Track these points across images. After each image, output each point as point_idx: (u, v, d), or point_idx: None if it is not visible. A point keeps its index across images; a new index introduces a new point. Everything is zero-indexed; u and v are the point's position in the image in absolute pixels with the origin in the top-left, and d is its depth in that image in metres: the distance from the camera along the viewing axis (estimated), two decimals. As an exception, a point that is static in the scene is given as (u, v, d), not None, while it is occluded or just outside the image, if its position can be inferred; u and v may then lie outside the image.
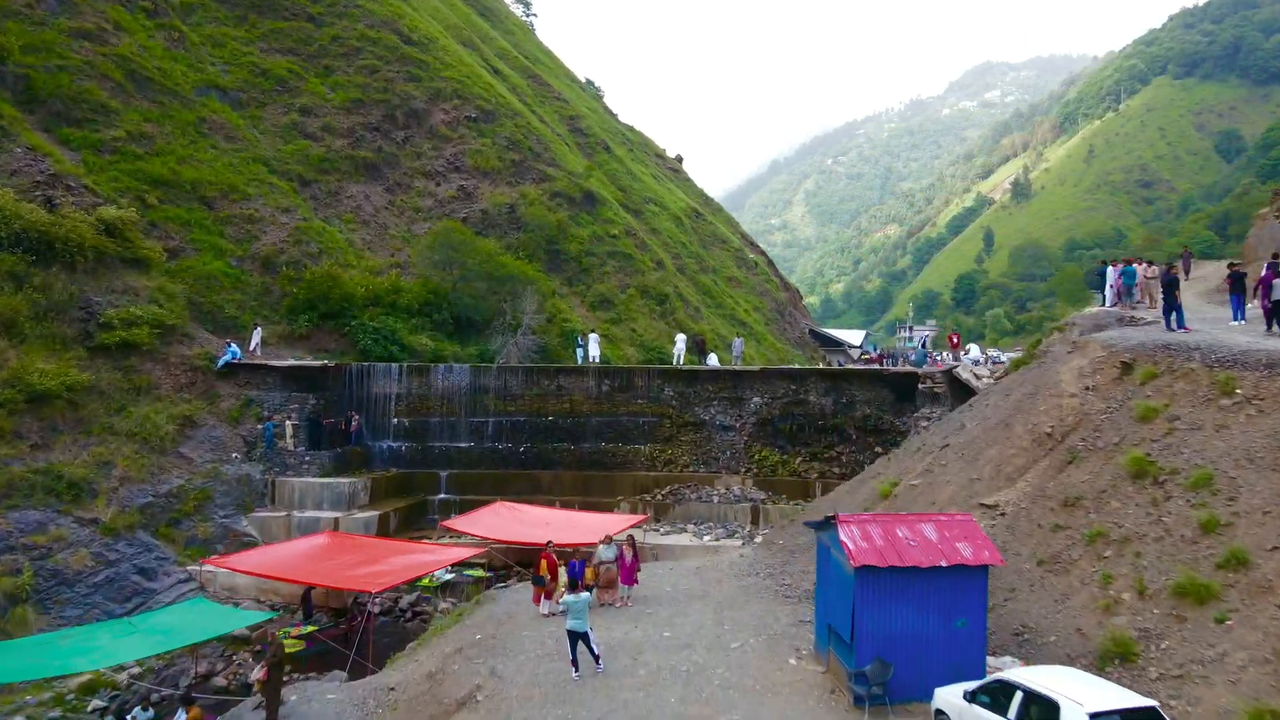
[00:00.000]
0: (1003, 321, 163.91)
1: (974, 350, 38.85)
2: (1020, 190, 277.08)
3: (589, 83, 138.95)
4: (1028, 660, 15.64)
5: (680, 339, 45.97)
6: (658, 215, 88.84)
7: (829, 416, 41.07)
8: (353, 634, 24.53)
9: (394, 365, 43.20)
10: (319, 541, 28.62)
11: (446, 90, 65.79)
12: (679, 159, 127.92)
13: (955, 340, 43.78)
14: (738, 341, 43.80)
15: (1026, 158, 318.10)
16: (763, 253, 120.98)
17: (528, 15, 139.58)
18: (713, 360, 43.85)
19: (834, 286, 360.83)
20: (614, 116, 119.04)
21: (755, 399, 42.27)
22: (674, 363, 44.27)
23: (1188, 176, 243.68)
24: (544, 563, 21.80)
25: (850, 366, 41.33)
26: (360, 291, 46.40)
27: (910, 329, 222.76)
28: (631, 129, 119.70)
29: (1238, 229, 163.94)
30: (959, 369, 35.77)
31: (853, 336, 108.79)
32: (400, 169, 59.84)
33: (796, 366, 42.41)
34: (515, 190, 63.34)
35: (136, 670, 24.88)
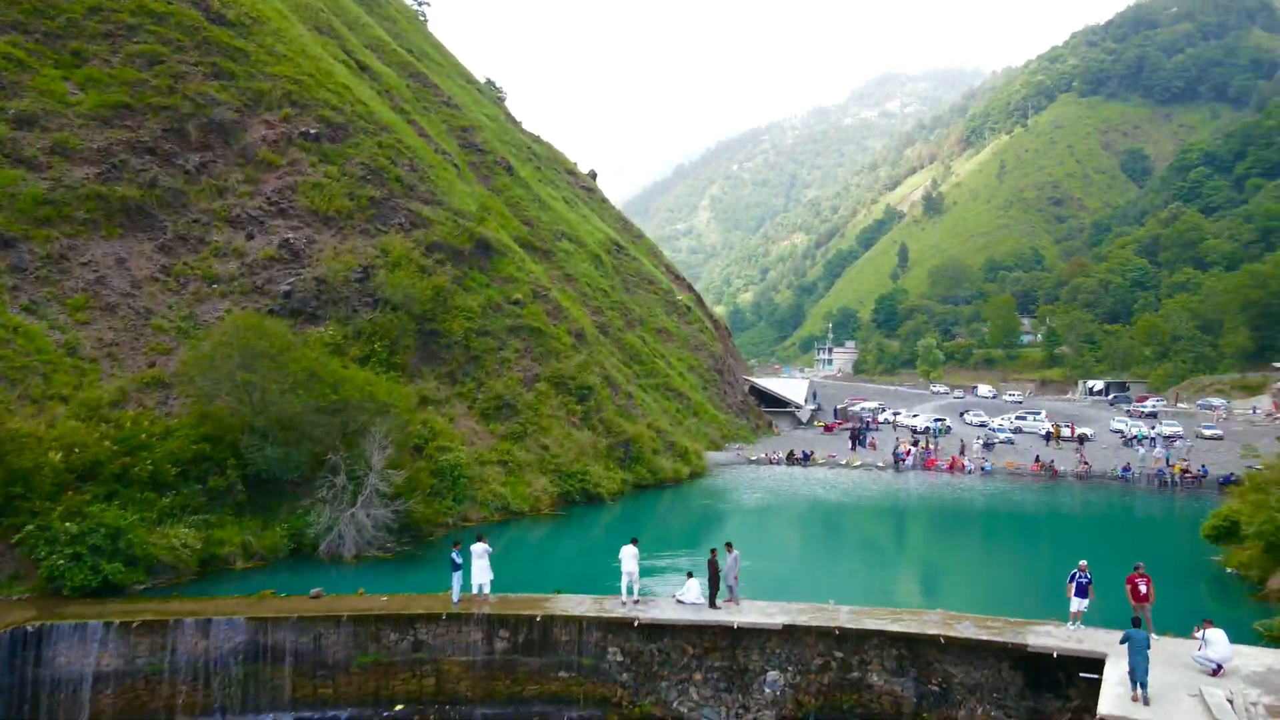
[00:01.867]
0: (934, 352, 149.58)
1: (1221, 641, 18.49)
2: (932, 205, 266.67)
3: (489, 83, 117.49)
4: None
5: (630, 554, 25.06)
6: (572, 255, 68.82)
7: (908, 716, 22.12)
8: None
9: (92, 624, 22.12)
10: None
11: (275, 93, 44.21)
12: (592, 175, 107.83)
13: (1144, 589, 22.95)
14: (731, 558, 23.96)
15: (934, 170, 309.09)
16: (690, 287, 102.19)
17: (418, 3, 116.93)
18: (693, 591, 24.17)
19: (742, 296, 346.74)
20: (517, 125, 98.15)
21: (772, 674, 22.90)
22: (623, 596, 24.45)
23: (1097, 195, 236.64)
24: None
25: (938, 629, 21.94)
26: (54, 460, 24.99)
27: (830, 349, 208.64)
28: (537, 139, 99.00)
29: (1169, 255, 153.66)
30: (1208, 693, 16.95)
31: (795, 390, 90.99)
32: (188, 214, 38.09)
33: (844, 622, 22.91)
34: (373, 243, 42.36)
35: None
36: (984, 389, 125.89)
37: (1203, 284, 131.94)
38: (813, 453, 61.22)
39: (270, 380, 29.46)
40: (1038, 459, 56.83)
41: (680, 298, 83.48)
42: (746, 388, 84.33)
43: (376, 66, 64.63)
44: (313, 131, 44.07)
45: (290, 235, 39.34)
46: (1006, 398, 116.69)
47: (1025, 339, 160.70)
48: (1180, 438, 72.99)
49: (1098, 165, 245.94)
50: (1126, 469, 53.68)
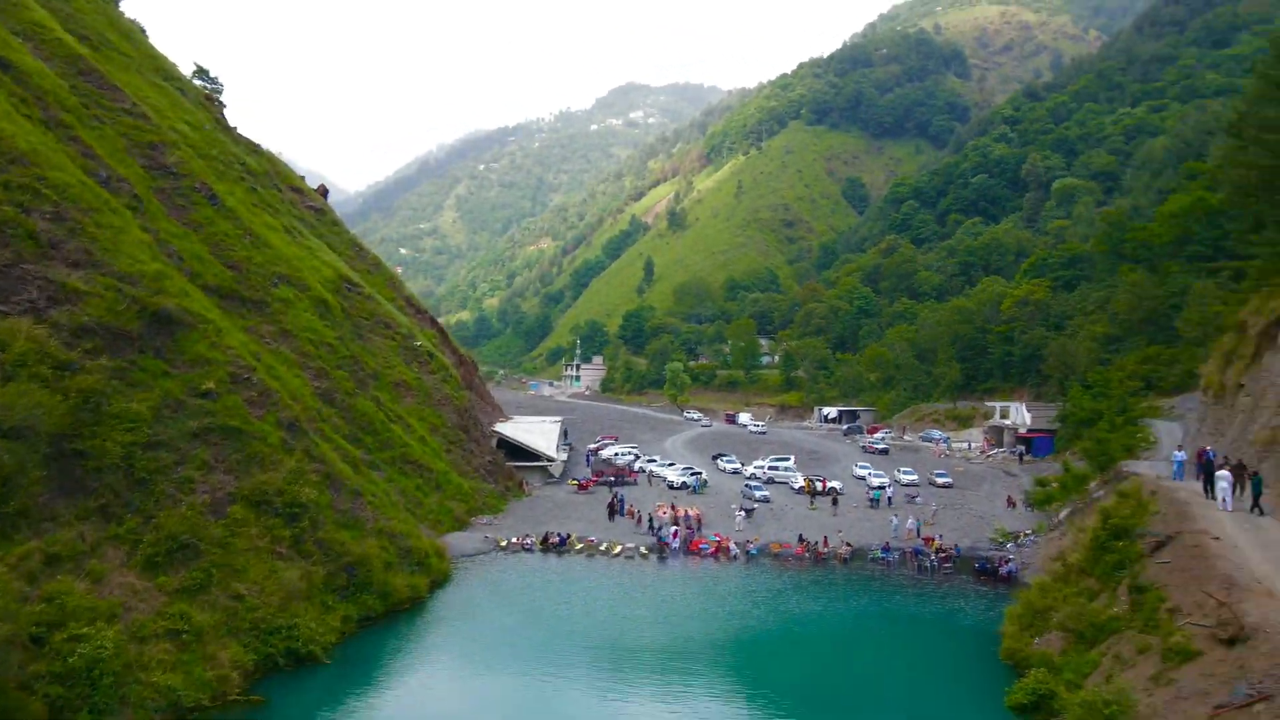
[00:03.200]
0: (681, 376, 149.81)
1: None
2: (675, 220, 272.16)
3: (200, 74, 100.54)
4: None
5: None
6: (293, 304, 57.99)
7: None
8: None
9: None
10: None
11: None
12: (323, 192, 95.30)
13: None
14: None
15: (677, 184, 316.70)
16: (433, 321, 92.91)
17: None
18: None
19: (489, 301, 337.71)
20: (231, 132, 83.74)
21: None
22: None
23: (823, 219, 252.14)
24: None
25: None
26: None
27: (578, 366, 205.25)
28: (256, 149, 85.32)
29: (889, 284, 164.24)
30: None
31: (546, 436, 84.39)
32: None
33: None
34: (-18, 334, 30.44)
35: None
36: (744, 417, 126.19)
37: (918, 314, 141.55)
38: (569, 535, 55.00)
39: None
40: (801, 538, 54.24)
41: (420, 343, 74.28)
42: (495, 441, 76.82)
43: (26, 63, 50.08)
44: (-111, 171, 31.16)
45: None
46: (750, 429, 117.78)
47: (764, 360, 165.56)
48: (916, 485, 75.03)
49: (823, 190, 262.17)
50: (886, 549, 52.29)
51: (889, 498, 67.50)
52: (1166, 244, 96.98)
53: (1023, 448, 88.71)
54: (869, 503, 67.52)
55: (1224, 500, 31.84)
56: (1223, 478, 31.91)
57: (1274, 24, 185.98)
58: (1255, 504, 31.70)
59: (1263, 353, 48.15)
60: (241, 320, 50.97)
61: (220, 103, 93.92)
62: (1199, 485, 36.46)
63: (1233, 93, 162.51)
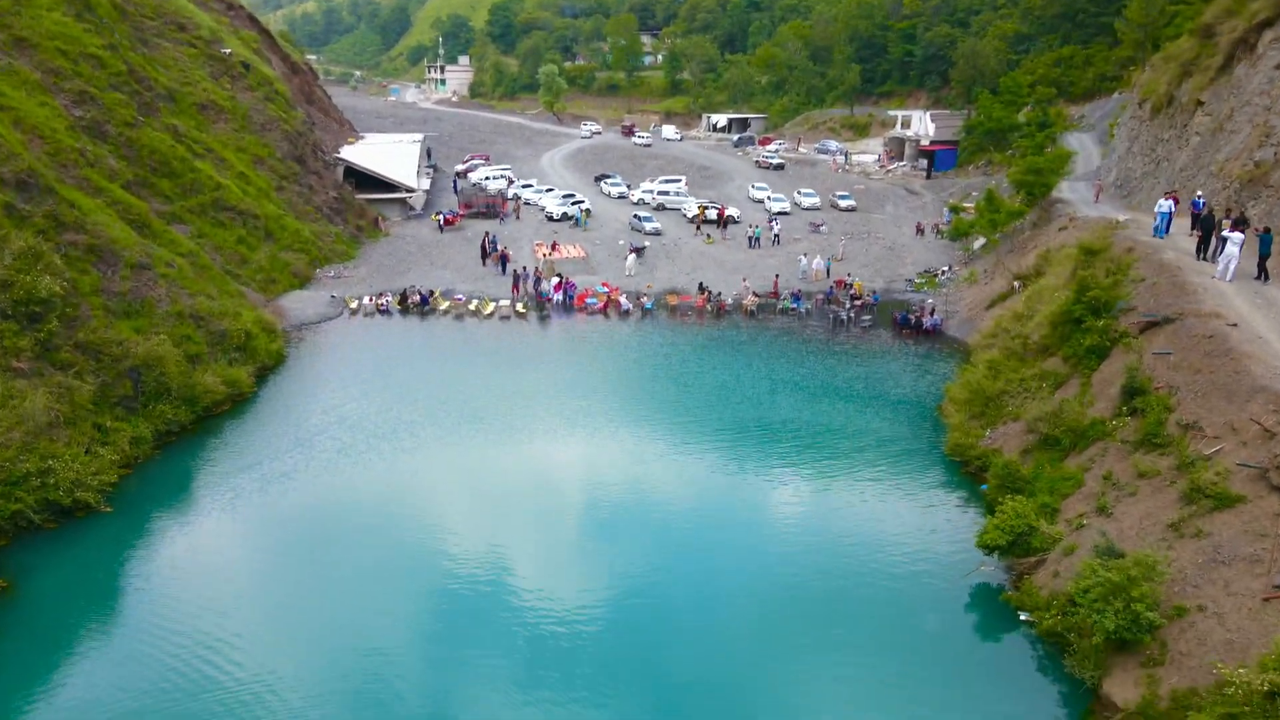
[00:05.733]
0: (557, 81, 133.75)
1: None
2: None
3: None
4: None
5: None
6: (30, 2, 42.38)
7: None
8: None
9: None
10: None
11: None
12: None
13: None
14: None
15: None
16: (253, 20, 75.00)
17: None
18: None
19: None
20: None
21: None
22: None
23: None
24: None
25: None
26: None
27: (443, 68, 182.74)
28: None
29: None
30: None
31: (405, 161, 71.67)
32: None
33: None
34: None
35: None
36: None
37: (813, 8, 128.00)
38: (434, 293, 46.17)
39: None
40: (702, 287, 47.03)
41: (230, 50, 58.83)
42: (341, 170, 64.50)
43: None
44: None
45: None
46: (636, 140, 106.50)
47: (647, 60, 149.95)
48: (818, 208, 68.48)
49: None
50: (797, 297, 45.84)
51: (775, 235, 59.20)
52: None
53: (925, 161, 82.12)
54: (770, 229, 59.69)
55: (1227, 268, 25.55)
56: (1234, 241, 25.25)
57: None
58: (1261, 269, 25.67)
59: (1235, 65, 40.95)
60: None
61: None
62: (1178, 239, 30.43)
63: None
